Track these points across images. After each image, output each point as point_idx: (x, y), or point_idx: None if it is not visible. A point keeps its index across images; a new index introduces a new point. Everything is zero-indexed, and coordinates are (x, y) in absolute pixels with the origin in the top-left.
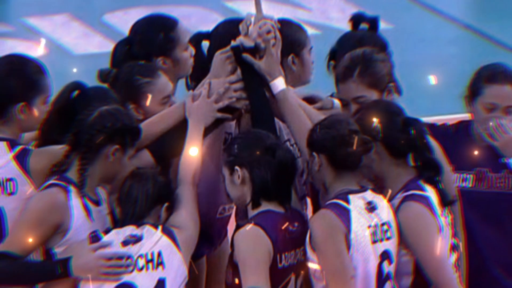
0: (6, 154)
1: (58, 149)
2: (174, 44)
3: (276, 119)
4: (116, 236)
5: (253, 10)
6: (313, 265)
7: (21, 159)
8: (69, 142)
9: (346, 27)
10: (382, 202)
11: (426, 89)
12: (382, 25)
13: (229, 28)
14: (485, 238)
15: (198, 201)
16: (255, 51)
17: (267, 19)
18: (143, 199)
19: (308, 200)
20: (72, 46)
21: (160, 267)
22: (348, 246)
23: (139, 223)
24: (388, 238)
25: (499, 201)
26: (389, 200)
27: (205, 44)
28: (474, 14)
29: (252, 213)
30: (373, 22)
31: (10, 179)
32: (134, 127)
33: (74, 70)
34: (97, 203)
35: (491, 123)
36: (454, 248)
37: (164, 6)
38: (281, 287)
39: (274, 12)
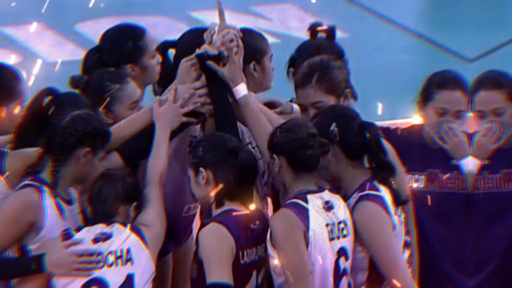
0: None
1: (32, 152)
2: (142, 52)
3: (238, 123)
4: (87, 234)
5: (216, 20)
6: (273, 261)
7: None
8: (43, 145)
9: (305, 36)
10: (338, 202)
11: (380, 94)
12: (339, 34)
13: (194, 37)
14: (436, 235)
15: (165, 200)
16: (219, 58)
17: (230, 28)
18: (113, 199)
19: (269, 200)
20: (45, 54)
21: (128, 263)
22: (307, 243)
23: (109, 221)
24: (344, 236)
25: (449, 200)
26: (345, 200)
27: (171, 52)
28: (426, 23)
29: (215, 212)
30: (330, 31)
31: None
32: (104, 130)
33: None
34: (69, 202)
35: (442, 127)
36: (406, 245)
37: (132, 16)
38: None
39: (237, 22)
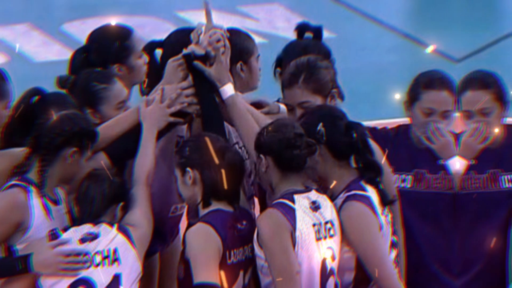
0: None
1: (19, 152)
2: (129, 52)
3: (225, 123)
4: (74, 234)
5: (203, 20)
6: (260, 261)
7: None
8: (30, 145)
9: (292, 36)
10: (325, 202)
11: (367, 94)
12: (326, 34)
13: (181, 37)
14: (423, 235)
15: (152, 200)
16: (206, 58)
17: (217, 28)
18: (100, 199)
19: (256, 200)
20: (32, 54)
21: (115, 263)
22: (294, 244)
23: (95, 221)
24: (331, 236)
25: (436, 200)
26: (332, 200)
27: (158, 52)
28: (413, 23)
29: (202, 212)
30: (317, 31)
31: None
32: (91, 130)
33: (34, 76)
34: (56, 202)
35: (429, 127)
36: (393, 245)
37: (119, 16)
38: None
39: (224, 21)
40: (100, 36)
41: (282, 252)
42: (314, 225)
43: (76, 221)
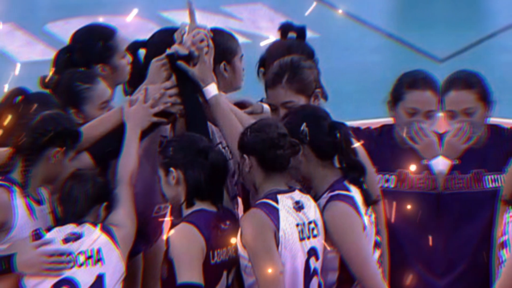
0: None
1: (2, 152)
2: (112, 52)
3: (209, 123)
4: (57, 234)
5: (187, 20)
6: (244, 261)
7: None
8: (13, 145)
9: (275, 36)
10: (309, 202)
11: (350, 94)
12: (309, 34)
13: (165, 37)
14: (406, 236)
15: (135, 200)
16: (189, 58)
17: (200, 28)
18: (83, 199)
19: (239, 200)
20: (16, 54)
21: (99, 263)
22: (277, 243)
23: (79, 221)
24: (315, 236)
25: (420, 200)
26: (316, 200)
27: (142, 52)
28: (396, 23)
29: (186, 212)
30: (301, 31)
31: None
32: (75, 130)
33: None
34: (39, 202)
35: (412, 127)
36: (377, 245)
37: (103, 16)
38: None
39: (207, 21)
40: (83, 36)
41: (266, 252)
42: (297, 225)
43: (59, 221)
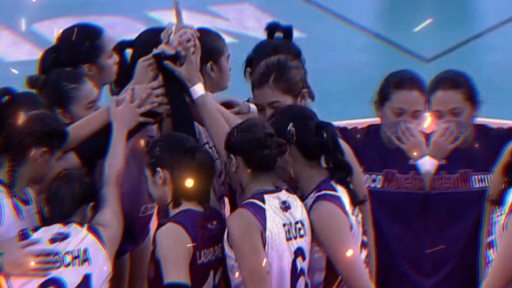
0: None
1: None
2: (99, 52)
3: (195, 123)
4: (44, 234)
5: (174, 20)
6: (230, 262)
7: None
8: None
9: (262, 35)
10: (296, 202)
11: (337, 94)
12: (296, 34)
13: (151, 37)
14: (393, 235)
15: (122, 200)
16: (176, 58)
17: (187, 28)
18: (70, 199)
19: (226, 200)
20: (2, 54)
21: (86, 263)
22: (264, 244)
23: (66, 221)
24: (301, 236)
25: (406, 200)
26: (303, 200)
27: (129, 51)
28: (383, 23)
29: (172, 212)
30: (288, 31)
31: None
32: (61, 130)
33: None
34: (26, 202)
35: (399, 127)
36: (364, 245)
37: (89, 16)
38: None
39: (194, 21)
40: (70, 36)
41: (253, 252)
42: (284, 225)
43: (46, 221)
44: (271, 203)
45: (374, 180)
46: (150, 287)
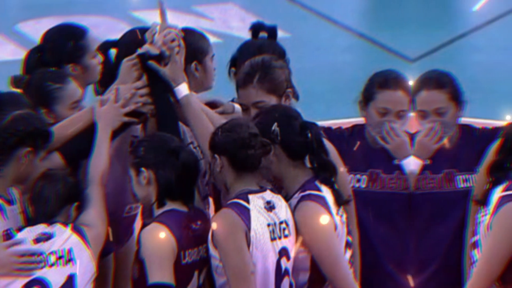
0: None
1: None
2: (83, 52)
3: (180, 123)
4: (28, 234)
5: (158, 20)
6: (215, 262)
7: None
8: None
9: (247, 35)
10: (280, 202)
11: (322, 94)
12: (280, 34)
13: (135, 37)
14: (378, 236)
15: (106, 200)
16: (160, 58)
17: (171, 28)
18: (54, 199)
19: (211, 200)
20: None
21: (70, 264)
22: (248, 244)
23: (50, 221)
24: (286, 236)
25: (391, 200)
26: (287, 200)
27: (113, 51)
28: (368, 23)
29: (157, 212)
30: (272, 31)
31: None
32: (45, 130)
33: None
34: (10, 202)
35: (383, 127)
36: (348, 245)
37: (73, 16)
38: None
39: (178, 21)
40: (54, 36)
41: (237, 252)
42: (268, 225)
43: (30, 221)
44: (256, 203)
45: (358, 180)
46: (135, 287)
